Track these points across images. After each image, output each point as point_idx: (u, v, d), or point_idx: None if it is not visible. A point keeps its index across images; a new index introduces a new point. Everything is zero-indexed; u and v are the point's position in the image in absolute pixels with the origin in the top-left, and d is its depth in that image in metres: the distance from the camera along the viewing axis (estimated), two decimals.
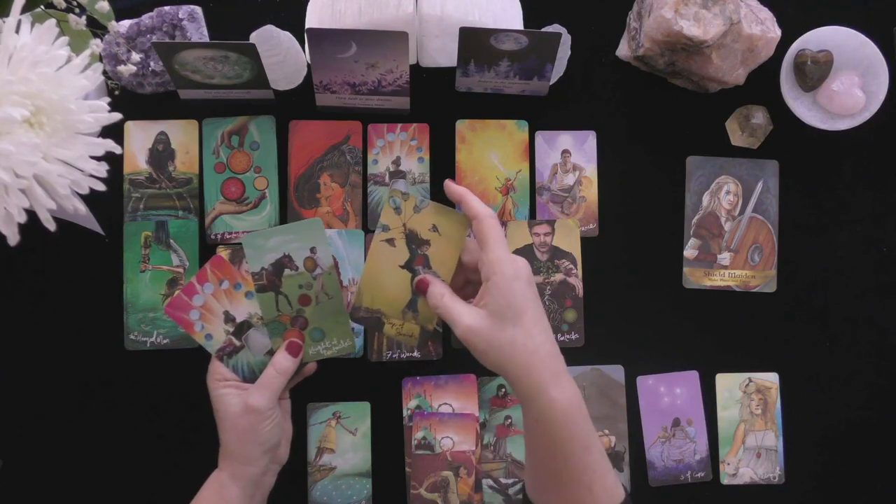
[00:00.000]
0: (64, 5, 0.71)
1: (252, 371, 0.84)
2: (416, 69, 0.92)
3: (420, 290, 0.79)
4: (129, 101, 0.90)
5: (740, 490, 0.93)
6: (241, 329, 0.85)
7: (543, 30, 0.91)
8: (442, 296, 0.76)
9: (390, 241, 0.80)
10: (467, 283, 0.81)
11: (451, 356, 0.92)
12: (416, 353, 0.92)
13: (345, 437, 0.92)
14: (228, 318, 0.85)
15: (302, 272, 0.84)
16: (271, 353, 0.85)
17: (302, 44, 0.91)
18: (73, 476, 0.91)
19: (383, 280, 0.81)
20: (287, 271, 0.84)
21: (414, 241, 0.80)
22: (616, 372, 0.93)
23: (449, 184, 0.78)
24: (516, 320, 0.72)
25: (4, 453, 0.91)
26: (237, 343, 0.84)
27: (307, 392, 0.91)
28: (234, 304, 0.85)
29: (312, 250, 0.84)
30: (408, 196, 0.80)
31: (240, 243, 0.91)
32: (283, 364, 0.82)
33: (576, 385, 0.73)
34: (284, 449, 0.86)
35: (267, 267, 0.84)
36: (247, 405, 0.80)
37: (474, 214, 0.75)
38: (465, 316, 0.73)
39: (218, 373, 0.83)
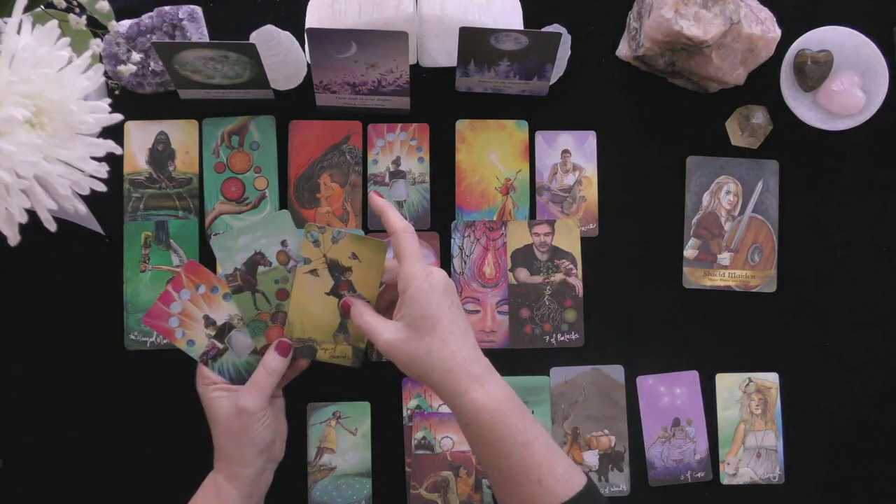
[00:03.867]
0: (64, 5, 0.71)
1: (238, 372, 0.85)
2: (416, 69, 0.92)
3: (345, 311, 0.82)
4: (129, 101, 0.90)
5: (740, 490, 0.93)
6: (223, 331, 0.85)
7: (543, 30, 0.91)
8: (361, 314, 0.80)
9: (313, 272, 0.84)
10: (392, 303, 0.82)
11: None
12: None
13: (345, 437, 0.92)
14: (209, 322, 0.85)
15: (276, 267, 0.85)
16: (255, 352, 0.85)
17: (302, 44, 0.91)
18: (73, 476, 0.91)
19: (311, 309, 0.84)
20: (261, 268, 0.85)
21: (336, 269, 0.84)
22: (616, 372, 0.93)
23: (373, 196, 0.83)
24: (431, 329, 0.75)
25: (4, 453, 0.91)
26: (220, 346, 0.85)
27: (307, 392, 0.91)
28: (213, 308, 0.85)
29: (283, 243, 0.85)
30: (325, 229, 0.83)
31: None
32: (273, 364, 0.83)
33: (505, 384, 0.76)
34: (280, 447, 0.86)
35: (240, 267, 0.85)
36: (238, 407, 0.81)
37: (392, 229, 0.79)
38: (383, 330, 0.77)
39: (206, 377, 0.84)
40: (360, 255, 0.83)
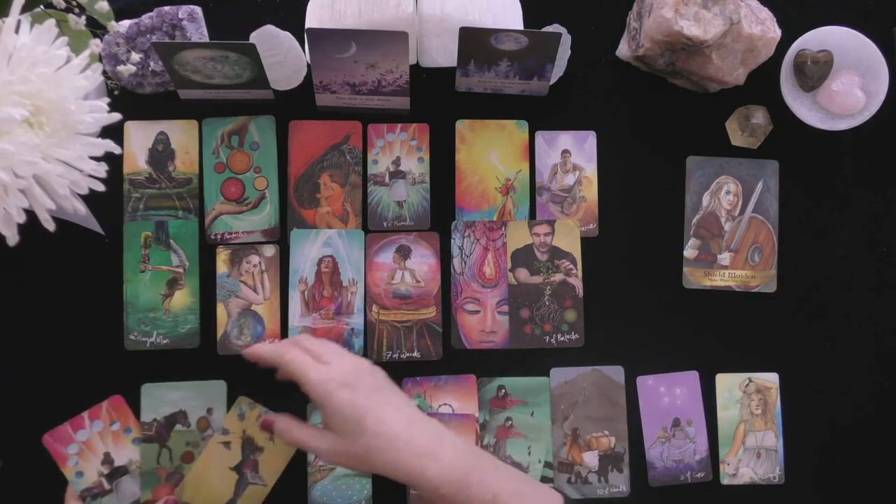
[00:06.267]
0: (63, 5, 0.71)
1: None
2: (416, 69, 0.92)
3: (266, 429, 0.82)
4: (129, 101, 0.90)
5: (740, 490, 0.93)
6: (116, 474, 0.87)
7: (543, 30, 0.91)
8: (290, 430, 0.79)
9: (226, 444, 0.87)
10: None
11: (452, 357, 0.92)
12: (415, 353, 0.92)
13: None
14: (107, 461, 0.86)
15: (193, 430, 0.87)
16: (137, 503, 0.87)
17: (302, 44, 0.91)
18: None
19: (210, 478, 0.87)
20: (178, 426, 0.87)
21: (249, 446, 0.87)
22: (616, 373, 0.93)
23: (245, 351, 0.82)
24: (360, 430, 0.74)
25: (4, 453, 0.91)
26: (106, 487, 0.86)
27: None
28: (117, 448, 0.87)
29: (209, 411, 0.88)
30: (254, 406, 0.87)
31: (239, 244, 0.92)
32: None
33: (456, 444, 0.76)
34: None
35: (160, 419, 0.87)
36: None
37: (273, 362, 0.79)
38: (320, 442, 0.77)
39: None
40: (277, 439, 0.87)
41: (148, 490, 0.86)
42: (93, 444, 0.86)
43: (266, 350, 0.80)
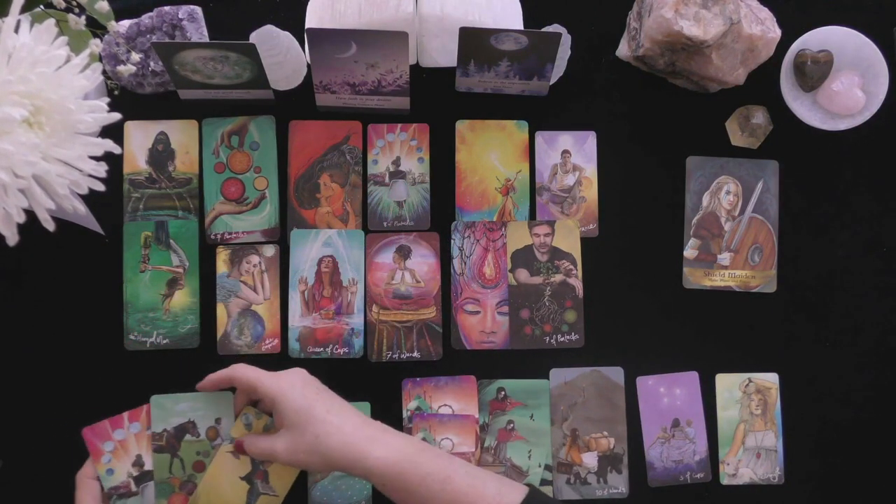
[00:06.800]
0: (63, 5, 0.71)
1: None
2: (416, 69, 0.92)
3: (241, 451, 0.85)
4: (129, 101, 0.90)
5: (740, 490, 0.93)
6: (144, 477, 0.87)
7: (543, 30, 0.91)
8: (255, 444, 0.83)
9: (235, 454, 0.87)
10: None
11: (452, 357, 0.92)
12: (415, 354, 0.92)
13: None
14: (138, 463, 0.87)
15: (202, 440, 0.87)
16: None
17: (302, 44, 0.91)
18: (73, 476, 0.91)
19: (222, 488, 0.87)
20: (188, 436, 0.87)
21: None
22: (616, 374, 0.93)
23: (199, 386, 0.86)
24: (309, 418, 0.78)
25: (4, 453, 0.91)
26: (134, 489, 0.86)
27: None
28: (150, 451, 0.87)
29: (217, 421, 0.88)
30: (261, 416, 0.87)
31: (239, 244, 0.92)
32: None
33: (402, 435, 0.81)
34: None
35: (169, 429, 0.87)
36: None
37: (227, 381, 0.84)
38: (275, 444, 0.80)
39: (89, 474, 0.86)
40: None
41: (163, 499, 0.86)
42: (127, 445, 0.86)
43: (217, 375, 0.84)
